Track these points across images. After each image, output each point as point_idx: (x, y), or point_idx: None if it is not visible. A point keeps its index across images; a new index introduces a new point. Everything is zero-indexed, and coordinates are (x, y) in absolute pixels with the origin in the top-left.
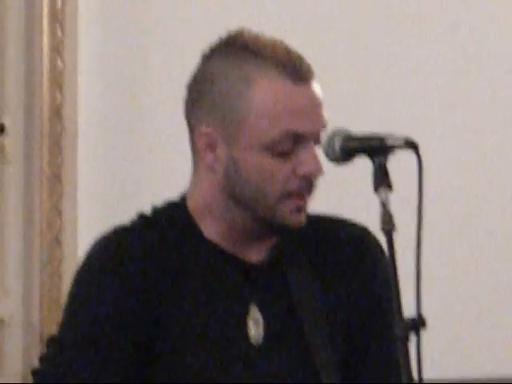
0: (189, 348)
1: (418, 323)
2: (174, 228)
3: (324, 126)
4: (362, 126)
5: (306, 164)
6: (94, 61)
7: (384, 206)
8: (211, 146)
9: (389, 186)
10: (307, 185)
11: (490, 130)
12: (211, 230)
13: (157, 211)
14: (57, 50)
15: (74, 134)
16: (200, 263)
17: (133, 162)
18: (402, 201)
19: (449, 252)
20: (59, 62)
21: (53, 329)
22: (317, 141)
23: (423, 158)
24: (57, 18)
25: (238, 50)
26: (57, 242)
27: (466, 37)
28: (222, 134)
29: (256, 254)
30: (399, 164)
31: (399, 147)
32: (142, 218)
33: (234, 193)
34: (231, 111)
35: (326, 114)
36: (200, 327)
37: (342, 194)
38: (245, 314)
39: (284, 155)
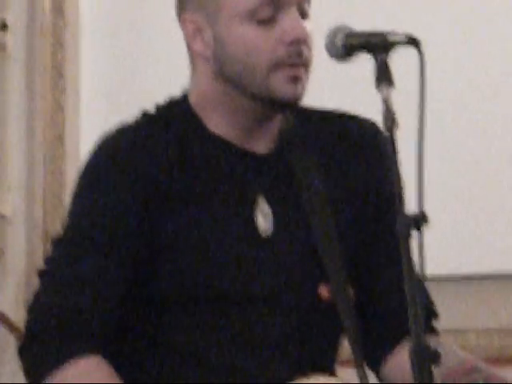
0: (198, 241)
1: (420, 219)
2: (177, 123)
3: None
4: (363, 25)
5: (290, 30)
6: None
7: (386, 103)
8: (198, 31)
9: (390, 83)
10: (295, 51)
11: (491, 32)
12: (215, 122)
13: (159, 108)
14: None
15: (76, 29)
16: (205, 156)
17: (136, 57)
18: (404, 97)
19: (450, 148)
20: None
21: (55, 224)
22: (301, 10)
23: (425, 55)
24: None
25: None
26: (59, 138)
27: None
28: (205, 16)
29: (263, 145)
30: (402, 61)
31: (401, 43)
32: (144, 115)
33: (226, 74)
34: None
35: None
36: (208, 220)
37: (344, 90)
38: (253, 206)
39: (266, 23)
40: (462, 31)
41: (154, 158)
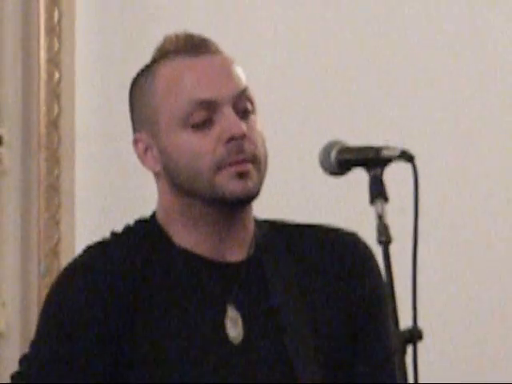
0: (169, 354)
1: (415, 335)
2: (143, 241)
3: (237, 90)
4: (358, 138)
5: (226, 128)
6: (91, 73)
7: (380, 218)
8: (147, 149)
9: (385, 198)
10: (235, 148)
11: (486, 140)
12: (181, 236)
13: (128, 227)
14: (54, 61)
15: (72, 145)
16: (173, 270)
17: (130, 173)
18: (398, 212)
19: (445, 263)
20: (56, 73)
21: None
22: (236, 108)
23: (419, 170)
24: (54, 30)
25: (149, 64)
26: (54, 253)
27: (464, 46)
28: (150, 133)
29: (235, 254)
30: (395, 175)
31: (395, 159)
32: (112, 234)
33: (177, 184)
34: (146, 109)
35: (242, 79)
36: (178, 333)
37: (338, 206)
38: (222, 314)
39: (204, 127)
40: (457, 144)
41: (122, 275)
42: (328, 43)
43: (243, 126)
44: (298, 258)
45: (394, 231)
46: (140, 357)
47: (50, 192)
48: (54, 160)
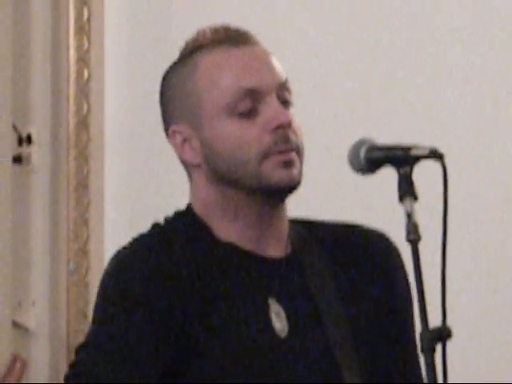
0: (219, 346)
1: (444, 334)
2: (187, 234)
3: (280, 80)
4: (386, 137)
5: (272, 117)
6: (120, 71)
7: (409, 217)
8: (186, 141)
9: (414, 197)
10: (281, 137)
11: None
12: (223, 229)
13: (169, 220)
14: (83, 60)
15: (101, 143)
16: (218, 264)
17: (160, 170)
18: (427, 210)
19: (475, 261)
20: (86, 72)
21: (80, 338)
22: (279, 98)
23: (448, 168)
24: (83, 29)
25: (184, 56)
26: (83, 252)
27: (488, 40)
28: (190, 124)
29: (275, 250)
30: (425, 173)
31: (424, 157)
32: (156, 227)
33: (219, 175)
34: (186, 100)
35: (282, 70)
36: (227, 325)
37: (367, 204)
38: (266, 308)
39: (248, 116)
40: (485, 144)
41: (174, 270)
42: (357, 38)
43: (289, 115)
44: (330, 256)
45: (423, 230)
46: (193, 347)
47: (79, 191)
48: (83, 158)
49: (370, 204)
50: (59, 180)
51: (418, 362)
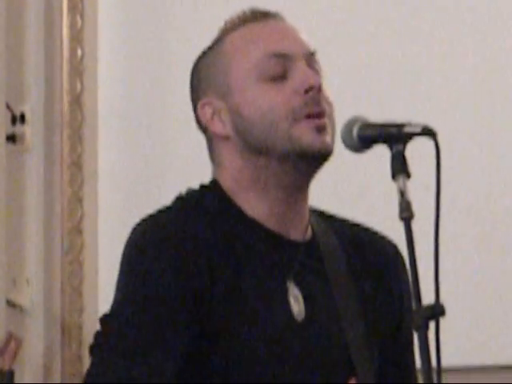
0: (236, 328)
1: (437, 311)
2: (214, 208)
3: (309, 49)
4: (380, 114)
5: (303, 79)
6: (114, 49)
7: (402, 194)
8: (215, 113)
9: (407, 174)
10: (312, 99)
11: (509, 118)
12: (251, 205)
13: (193, 194)
14: (76, 38)
15: (94, 122)
16: (244, 240)
17: (153, 150)
18: (420, 187)
19: (467, 239)
20: (79, 50)
21: (74, 316)
22: (309, 63)
23: (441, 146)
24: (76, 7)
25: (213, 41)
26: (77, 230)
27: (487, 30)
28: (218, 95)
29: (297, 233)
30: (418, 151)
31: (417, 134)
32: (180, 199)
33: (249, 143)
34: (214, 71)
35: (310, 45)
36: (247, 306)
37: (360, 181)
38: (285, 291)
39: (278, 80)
40: (480, 121)
41: (198, 242)
42: (348, 27)
43: (319, 79)
44: (345, 250)
45: (416, 207)
46: (211, 324)
47: (72, 169)
48: (77, 137)
49: (364, 182)
50: (53, 159)
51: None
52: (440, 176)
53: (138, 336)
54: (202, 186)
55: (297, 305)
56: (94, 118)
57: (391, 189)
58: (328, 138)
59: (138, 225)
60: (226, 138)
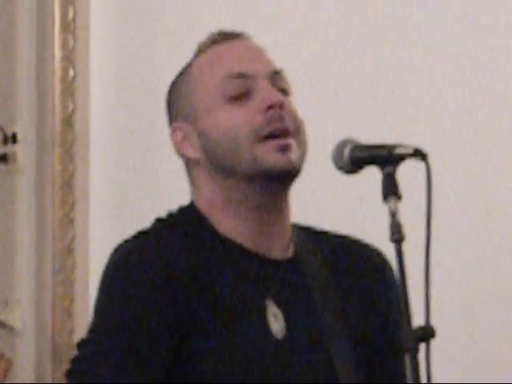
0: (214, 348)
1: (427, 333)
2: (191, 229)
3: (273, 68)
4: (371, 137)
5: (265, 97)
6: (106, 70)
7: (393, 216)
8: (186, 138)
9: (398, 196)
10: (274, 116)
11: (500, 139)
12: (226, 226)
13: (172, 215)
14: (68, 58)
15: (86, 142)
16: (220, 261)
17: (145, 170)
18: (411, 209)
19: (458, 261)
20: (71, 71)
21: (65, 337)
22: (274, 85)
23: (432, 168)
24: (69, 27)
25: (186, 64)
26: (69, 250)
27: (476, 45)
28: (188, 119)
29: (276, 252)
30: (409, 173)
31: (408, 156)
32: (159, 222)
33: (217, 166)
34: (183, 97)
35: (275, 64)
36: (224, 324)
37: (351, 203)
38: (264, 309)
39: (241, 100)
40: (471, 143)
41: (177, 264)
42: (337, 40)
43: (281, 96)
44: (331, 265)
45: (406, 229)
46: (189, 345)
47: (64, 190)
48: (69, 158)
49: (355, 204)
50: (44, 179)
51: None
52: (431, 198)
53: (115, 361)
54: (180, 208)
55: (276, 323)
56: (86, 138)
57: (382, 211)
58: (293, 157)
59: (116, 250)
60: (197, 161)
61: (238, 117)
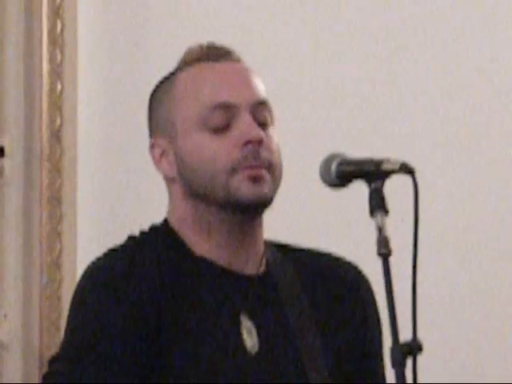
0: (188, 364)
1: (414, 348)
2: (163, 247)
3: (257, 98)
4: (359, 151)
5: (243, 132)
6: (94, 84)
7: (380, 231)
8: (163, 154)
9: (385, 211)
10: (251, 153)
11: (487, 152)
12: (198, 244)
13: (144, 233)
14: (56, 72)
15: (74, 156)
16: (191, 278)
17: (133, 184)
18: (398, 224)
19: (445, 275)
20: (59, 84)
21: (52, 352)
22: (254, 117)
23: (419, 182)
24: (56, 41)
25: (170, 73)
26: (56, 264)
27: (461, 61)
28: (165, 137)
29: (248, 268)
30: (396, 187)
31: (395, 172)
32: (131, 239)
33: (191, 188)
34: (164, 113)
35: (262, 90)
36: (197, 340)
37: (338, 218)
38: (238, 324)
39: (221, 131)
40: (458, 157)
41: (146, 280)
42: (327, 55)
43: (261, 132)
44: (304, 280)
45: (394, 244)
46: (161, 361)
47: (52, 203)
48: (56, 171)
49: (341, 218)
50: (32, 193)
51: None
52: (418, 212)
53: (85, 376)
54: (153, 225)
55: (250, 338)
56: (74, 151)
57: (369, 225)
58: (265, 188)
59: (86, 268)
60: (173, 179)
61: (218, 149)
